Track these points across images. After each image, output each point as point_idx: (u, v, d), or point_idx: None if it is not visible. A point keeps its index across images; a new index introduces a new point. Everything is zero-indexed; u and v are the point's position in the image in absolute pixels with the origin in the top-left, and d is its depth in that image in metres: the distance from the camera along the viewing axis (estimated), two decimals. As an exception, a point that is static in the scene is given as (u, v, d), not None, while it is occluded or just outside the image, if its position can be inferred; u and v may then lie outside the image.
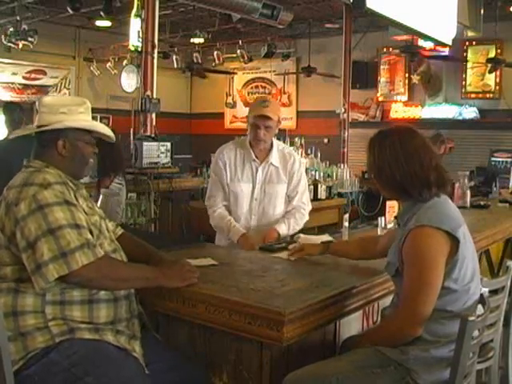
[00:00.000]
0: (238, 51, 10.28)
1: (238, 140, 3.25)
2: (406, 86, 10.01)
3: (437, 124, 8.41)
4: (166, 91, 8.02)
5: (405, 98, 10.04)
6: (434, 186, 2.01)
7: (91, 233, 1.93)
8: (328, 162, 6.85)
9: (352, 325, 2.33)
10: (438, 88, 9.58)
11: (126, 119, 9.80)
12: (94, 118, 2.17)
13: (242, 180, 3.13)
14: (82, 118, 2.07)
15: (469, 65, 9.31)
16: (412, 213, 2.02)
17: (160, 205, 5.75)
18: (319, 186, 5.78)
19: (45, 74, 11.15)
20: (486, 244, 3.33)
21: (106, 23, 9.13)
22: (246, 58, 10.36)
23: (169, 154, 5.95)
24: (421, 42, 8.27)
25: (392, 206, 3.18)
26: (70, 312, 1.90)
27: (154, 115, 6.12)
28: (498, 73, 8.89)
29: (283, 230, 3.10)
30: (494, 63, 8.27)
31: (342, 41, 8.66)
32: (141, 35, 6.09)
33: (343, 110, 8.62)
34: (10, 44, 8.61)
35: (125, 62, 9.59)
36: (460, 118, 9.19)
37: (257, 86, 12.21)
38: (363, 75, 10.03)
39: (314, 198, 5.69)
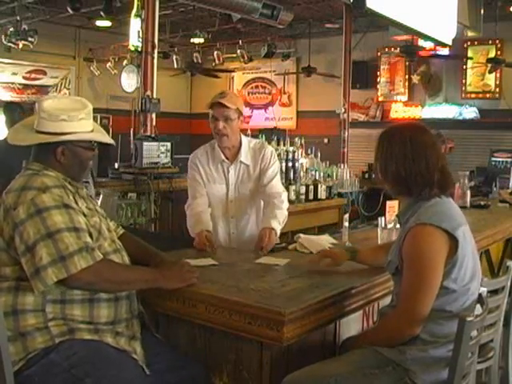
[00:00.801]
0: (238, 51, 10.29)
1: (208, 144, 3.13)
2: (406, 86, 10.02)
3: (437, 124, 8.39)
4: (166, 91, 8.02)
5: (405, 98, 10.04)
6: (436, 186, 2.01)
7: (90, 235, 1.93)
8: (328, 162, 6.84)
9: (352, 325, 2.33)
10: (438, 88, 9.59)
11: (126, 119, 9.81)
12: (94, 118, 2.16)
13: (216, 181, 3.05)
14: (82, 124, 2.04)
15: (469, 65, 9.31)
16: (413, 211, 2.02)
17: (160, 205, 5.76)
18: (319, 185, 5.78)
19: (45, 73, 11.15)
20: (486, 244, 3.33)
21: (106, 23, 9.13)
22: (246, 57, 10.36)
23: (169, 154, 5.95)
24: (421, 42, 8.27)
25: (392, 206, 3.18)
26: (71, 311, 1.90)
27: (153, 115, 6.13)
28: (498, 73, 8.89)
29: (275, 224, 2.85)
30: (494, 63, 8.27)
31: (342, 41, 8.66)
32: (141, 35, 6.10)
33: (343, 109, 8.63)
34: (10, 44, 8.61)
35: (125, 62, 9.60)
36: (460, 117, 9.19)
37: (257, 86, 12.21)
38: (363, 75, 10.03)
39: (314, 198, 5.69)
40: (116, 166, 6.16)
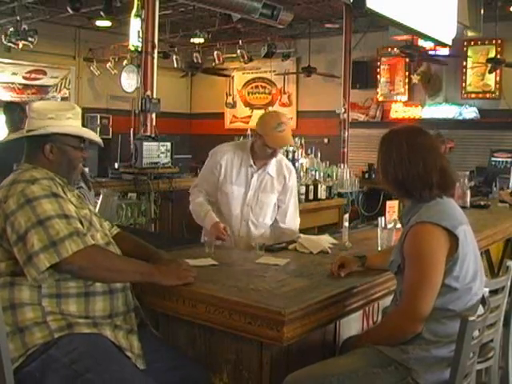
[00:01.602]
0: (238, 51, 10.28)
1: (237, 142, 3.25)
2: (406, 86, 10.01)
3: (437, 124, 8.41)
4: (166, 91, 8.02)
5: (405, 98, 10.04)
6: (435, 187, 2.02)
7: (81, 224, 1.95)
8: (328, 162, 6.84)
9: (352, 325, 2.33)
10: (437, 88, 9.59)
11: (125, 119, 9.79)
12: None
13: (234, 183, 3.11)
14: (69, 123, 2.08)
15: (469, 65, 9.31)
16: (414, 212, 2.03)
17: (160, 205, 5.76)
18: (319, 186, 5.78)
19: (45, 73, 11.15)
20: (486, 244, 3.33)
21: (106, 23, 9.12)
22: (246, 57, 10.36)
23: (169, 153, 5.95)
24: (421, 42, 8.28)
25: (392, 206, 3.18)
26: (67, 306, 1.90)
27: (154, 115, 6.13)
28: (497, 73, 8.88)
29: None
30: (494, 63, 8.27)
31: (342, 41, 8.66)
32: (141, 35, 6.10)
33: (343, 109, 8.63)
34: (10, 44, 8.60)
35: (125, 62, 9.60)
36: (460, 117, 9.19)
37: (257, 86, 12.20)
38: (363, 75, 10.02)
39: (314, 198, 5.69)
40: (116, 165, 6.16)
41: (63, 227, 1.85)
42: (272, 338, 1.81)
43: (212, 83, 11.98)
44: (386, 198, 3.01)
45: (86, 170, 3.60)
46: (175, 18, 9.57)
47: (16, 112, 5.32)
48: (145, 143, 5.73)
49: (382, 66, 10.23)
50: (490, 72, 8.65)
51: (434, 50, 8.95)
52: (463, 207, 3.94)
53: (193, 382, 2.02)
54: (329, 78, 9.91)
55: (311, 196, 5.63)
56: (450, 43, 5.12)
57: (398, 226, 3.01)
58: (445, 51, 8.83)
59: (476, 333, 1.92)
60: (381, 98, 10.28)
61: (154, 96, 6.11)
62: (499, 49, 8.93)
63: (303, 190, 5.50)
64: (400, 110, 9.98)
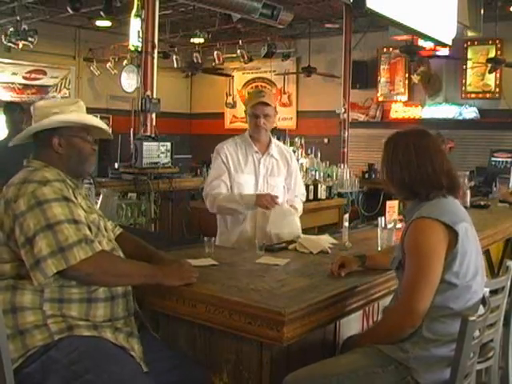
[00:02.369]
0: (238, 51, 10.28)
1: (236, 137, 3.32)
2: (406, 86, 10.01)
3: (437, 124, 8.40)
4: (166, 91, 8.02)
5: (405, 98, 10.04)
6: (444, 189, 2.05)
7: (90, 229, 1.94)
8: (328, 162, 6.85)
9: (352, 325, 2.33)
10: (437, 88, 9.58)
11: (126, 119, 9.80)
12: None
13: (245, 171, 3.20)
14: (75, 115, 2.08)
15: (469, 65, 9.31)
16: (417, 209, 2.05)
17: (160, 205, 5.76)
18: (319, 185, 5.78)
19: (45, 74, 11.15)
20: (486, 244, 3.33)
21: (106, 23, 9.13)
22: (246, 57, 10.36)
23: (169, 154, 5.95)
24: (421, 42, 8.26)
25: (392, 206, 3.18)
26: (68, 310, 1.90)
27: (154, 115, 6.12)
28: (498, 73, 8.88)
29: (298, 207, 3.32)
30: (494, 63, 8.27)
31: (342, 41, 8.66)
32: (141, 35, 6.09)
33: (343, 109, 8.62)
34: (10, 44, 8.60)
35: (125, 62, 9.59)
36: (460, 117, 9.19)
37: (257, 86, 12.18)
38: (363, 75, 10.03)
39: (314, 198, 5.69)
40: (116, 165, 6.15)
41: (72, 233, 1.84)
42: (272, 338, 1.81)
43: (212, 83, 11.98)
44: (385, 198, 3.02)
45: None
46: (175, 18, 9.57)
47: (16, 112, 5.33)
48: (145, 143, 5.73)
49: (381, 66, 10.23)
50: (490, 72, 8.64)
51: (434, 50, 8.94)
52: (463, 207, 3.94)
53: (193, 382, 2.02)
54: (329, 77, 9.91)
55: (311, 196, 5.63)
56: (450, 43, 5.12)
57: (398, 225, 3.02)
58: (445, 51, 8.83)
59: (476, 333, 1.92)
60: (381, 98, 10.28)
61: (154, 96, 6.11)
62: (499, 49, 8.93)
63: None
64: (400, 110, 9.97)
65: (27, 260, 1.82)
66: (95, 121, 2.17)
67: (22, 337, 1.85)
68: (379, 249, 2.62)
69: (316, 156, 6.55)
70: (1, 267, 1.91)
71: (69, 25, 10.01)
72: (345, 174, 6.89)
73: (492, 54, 8.76)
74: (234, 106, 12.30)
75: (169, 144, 5.96)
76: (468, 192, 4.23)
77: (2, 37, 8.72)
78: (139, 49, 6.15)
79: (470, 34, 6.74)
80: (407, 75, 9.98)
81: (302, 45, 10.83)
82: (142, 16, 6.05)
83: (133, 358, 1.93)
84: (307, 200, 5.55)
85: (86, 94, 10.92)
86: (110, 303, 1.98)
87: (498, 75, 8.99)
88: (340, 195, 6.55)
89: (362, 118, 10.31)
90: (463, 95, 9.39)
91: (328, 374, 1.92)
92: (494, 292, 2.26)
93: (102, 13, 7.49)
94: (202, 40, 9.58)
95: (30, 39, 8.44)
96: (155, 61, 6.17)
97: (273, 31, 9.56)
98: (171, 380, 2.00)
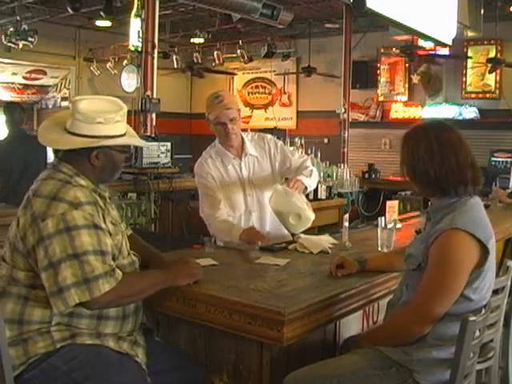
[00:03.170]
0: (238, 51, 10.28)
1: (208, 149, 3.12)
2: (406, 86, 10.01)
3: (437, 124, 8.39)
4: (166, 91, 8.01)
5: (405, 98, 10.04)
6: (470, 183, 1.95)
7: (113, 257, 1.91)
8: (328, 162, 6.84)
9: (352, 325, 2.33)
10: (438, 88, 9.58)
11: (126, 119, 9.78)
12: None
13: (229, 182, 3.03)
14: (118, 127, 2.00)
15: (469, 65, 9.31)
16: (446, 211, 1.96)
17: (160, 205, 5.75)
18: (319, 185, 5.77)
19: (45, 74, 11.15)
20: (486, 244, 3.32)
21: (106, 23, 9.12)
22: (246, 57, 10.35)
23: (169, 154, 5.95)
24: (421, 42, 8.27)
25: (392, 206, 3.18)
26: (77, 324, 1.89)
27: (154, 115, 6.12)
28: (497, 73, 8.88)
29: (304, 179, 2.94)
30: (494, 63, 8.27)
31: (342, 41, 8.65)
32: (141, 35, 6.09)
33: (343, 109, 8.62)
34: (9, 44, 8.59)
35: (125, 62, 9.59)
36: (460, 117, 9.18)
37: (257, 86, 12.20)
38: (363, 75, 10.02)
39: (314, 198, 5.69)
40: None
41: (99, 265, 1.80)
42: (272, 338, 1.81)
43: (212, 83, 11.95)
44: (385, 198, 3.02)
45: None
46: (175, 18, 9.57)
47: (16, 112, 5.33)
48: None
49: (381, 66, 10.22)
50: (490, 72, 8.64)
51: (434, 50, 8.94)
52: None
53: (193, 382, 2.02)
54: (329, 77, 9.91)
55: (311, 196, 5.62)
56: (450, 43, 5.13)
57: (399, 225, 3.02)
58: (445, 51, 8.83)
59: (476, 333, 1.91)
60: (381, 98, 10.27)
61: (154, 96, 6.11)
62: (499, 49, 8.92)
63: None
64: (400, 110, 9.97)
65: (48, 286, 1.78)
66: (139, 141, 2.15)
67: (25, 343, 1.83)
68: (379, 249, 2.62)
69: (316, 156, 6.54)
70: (15, 273, 1.88)
71: (69, 25, 10.00)
72: (345, 174, 6.88)
73: (492, 54, 8.76)
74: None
75: (169, 144, 5.96)
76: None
77: (2, 37, 8.72)
78: (139, 49, 6.14)
79: (470, 33, 6.75)
80: (407, 75, 9.98)
81: (302, 45, 10.83)
82: (142, 16, 6.05)
83: (137, 365, 1.92)
84: (307, 200, 5.57)
85: (86, 94, 10.89)
86: (121, 322, 1.97)
87: (498, 75, 8.98)
88: (340, 195, 6.55)
89: (362, 118, 10.31)
90: (463, 95, 9.39)
91: (328, 374, 1.91)
92: (494, 292, 2.25)
93: (102, 13, 7.49)
94: (202, 40, 9.58)
95: (30, 39, 8.44)
96: (155, 61, 6.17)
97: (273, 31, 9.56)
98: (172, 381, 2.00)
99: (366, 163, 8.53)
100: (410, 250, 2.08)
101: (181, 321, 2.11)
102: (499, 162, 7.74)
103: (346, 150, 8.67)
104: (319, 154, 6.61)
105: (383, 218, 2.70)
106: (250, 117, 12.11)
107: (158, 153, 5.83)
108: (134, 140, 2.12)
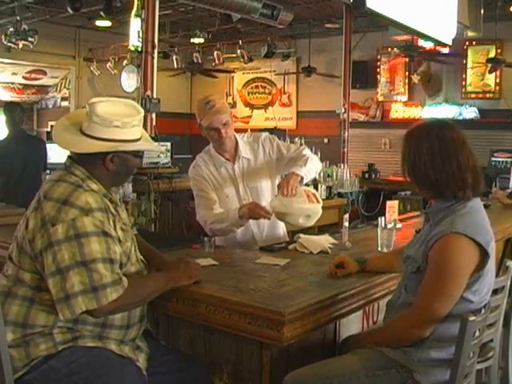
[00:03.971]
0: (238, 51, 10.27)
1: (202, 154, 3.10)
2: (406, 86, 10.01)
3: (437, 124, 8.39)
4: (166, 91, 8.01)
5: (405, 98, 10.04)
6: (469, 187, 1.92)
7: (121, 264, 1.90)
8: (328, 162, 6.84)
9: (352, 325, 2.33)
10: (437, 88, 9.58)
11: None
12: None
13: (223, 186, 3.00)
14: (134, 131, 1.98)
15: (469, 65, 9.31)
16: (446, 213, 1.94)
17: (160, 205, 5.75)
18: (319, 185, 5.78)
19: (45, 74, 11.16)
20: (486, 244, 3.32)
21: (106, 23, 9.13)
22: (246, 57, 10.35)
23: (169, 154, 5.95)
24: (421, 42, 8.27)
25: (392, 206, 3.18)
26: (81, 330, 1.88)
27: (154, 115, 6.12)
28: (498, 73, 8.88)
29: (299, 169, 2.85)
30: (494, 63, 8.27)
31: (342, 41, 8.64)
32: (141, 35, 6.08)
33: (343, 110, 8.61)
34: (10, 44, 8.59)
35: (125, 62, 9.56)
36: (460, 117, 9.18)
37: (257, 86, 12.20)
38: (363, 75, 10.02)
39: (314, 198, 5.68)
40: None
41: (108, 274, 1.79)
42: (272, 338, 1.81)
43: (212, 83, 11.96)
44: (385, 198, 3.01)
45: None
46: (175, 18, 9.57)
47: (16, 112, 5.33)
48: (145, 143, 5.72)
49: (382, 66, 10.23)
50: (490, 72, 8.64)
51: (434, 49, 8.94)
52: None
53: (194, 382, 2.02)
54: (329, 77, 9.91)
55: (311, 196, 5.62)
56: (450, 43, 5.13)
57: (398, 225, 3.02)
58: (445, 51, 8.83)
59: (476, 333, 1.91)
60: (381, 98, 10.28)
61: (154, 96, 6.11)
62: (499, 49, 8.92)
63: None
64: (400, 110, 9.97)
65: (55, 292, 1.77)
66: (156, 146, 2.16)
67: (27, 346, 1.83)
68: (379, 249, 2.62)
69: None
70: (21, 274, 1.87)
71: (69, 25, 10.01)
72: (345, 174, 6.89)
73: (492, 54, 8.76)
74: (233, 106, 12.27)
75: (169, 144, 5.96)
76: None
77: (2, 37, 8.71)
78: (139, 49, 6.14)
79: (470, 33, 6.75)
80: (407, 75, 9.98)
81: (302, 45, 10.83)
82: (142, 16, 6.04)
83: (137, 369, 1.91)
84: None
85: (86, 94, 10.90)
86: (125, 330, 1.96)
87: (497, 75, 8.98)
88: (340, 195, 6.55)
89: (362, 117, 10.31)
90: (463, 95, 9.39)
91: (328, 374, 1.91)
92: (493, 292, 2.25)
93: (102, 13, 7.50)
94: (202, 40, 9.58)
95: (30, 39, 8.43)
96: (155, 61, 6.16)
97: (273, 31, 9.56)
98: (172, 381, 2.00)
99: (366, 163, 8.53)
100: (409, 251, 2.07)
101: (181, 321, 2.11)
102: (499, 162, 7.74)
103: (346, 150, 8.67)
104: (319, 154, 6.58)
105: (383, 218, 2.70)
106: (249, 117, 12.11)
107: (157, 153, 5.83)
108: (150, 145, 2.12)
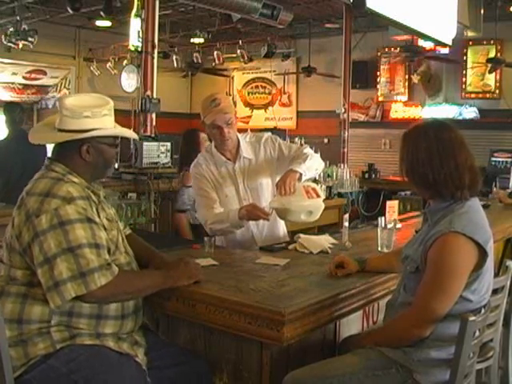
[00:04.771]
0: (238, 51, 10.28)
1: (203, 153, 3.10)
2: (406, 86, 10.02)
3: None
4: (166, 91, 8.02)
5: (405, 98, 10.04)
6: (466, 187, 1.93)
7: (109, 250, 1.91)
8: (328, 162, 6.84)
9: (352, 325, 2.33)
10: (437, 88, 9.59)
11: (126, 119, 9.77)
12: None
13: (223, 186, 2.99)
14: (105, 120, 2.00)
15: (469, 65, 9.31)
16: (444, 213, 1.95)
17: (160, 205, 5.76)
18: (319, 186, 5.77)
19: (45, 74, 11.15)
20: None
21: (106, 23, 9.13)
22: (246, 57, 10.36)
23: (169, 154, 5.95)
24: (421, 42, 8.28)
25: (392, 206, 3.18)
26: (76, 324, 1.89)
27: (154, 115, 6.12)
28: (497, 73, 8.89)
29: (298, 166, 2.83)
30: (494, 63, 8.27)
31: (342, 41, 8.65)
32: (141, 35, 6.09)
33: (343, 109, 8.62)
34: (10, 44, 8.59)
35: (125, 62, 9.58)
36: (460, 117, 9.19)
37: (257, 86, 12.21)
38: (363, 75, 10.03)
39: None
40: (116, 165, 6.15)
41: (94, 258, 1.80)
42: (272, 338, 1.81)
43: (212, 83, 11.97)
44: (386, 198, 3.01)
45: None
46: (175, 18, 9.58)
47: (16, 112, 5.33)
48: (145, 143, 5.73)
49: (381, 66, 10.23)
50: (490, 72, 8.65)
51: (434, 49, 8.94)
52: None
53: (195, 376, 2.02)
54: (329, 77, 9.91)
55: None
56: (450, 43, 5.13)
57: (398, 225, 3.02)
58: (445, 51, 8.84)
59: (476, 333, 1.91)
60: (381, 98, 10.28)
61: (154, 96, 6.11)
62: (499, 49, 8.92)
63: (303, 190, 5.49)
64: (400, 110, 9.98)
65: (45, 281, 1.78)
66: (128, 132, 2.16)
67: (25, 345, 1.83)
68: (379, 249, 2.62)
69: (316, 156, 6.54)
70: (13, 272, 1.89)
71: (69, 25, 10.01)
72: (345, 174, 6.89)
73: (492, 54, 8.76)
74: (233, 105, 12.28)
75: (169, 144, 5.96)
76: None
77: (2, 37, 8.71)
78: (139, 49, 6.15)
79: (470, 33, 6.75)
80: (407, 75, 9.99)
81: (302, 45, 10.83)
82: (142, 16, 6.05)
83: (136, 365, 1.92)
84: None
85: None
86: (120, 321, 1.97)
87: (497, 75, 8.99)
88: (340, 195, 6.55)
89: (362, 117, 10.31)
90: (463, 95, 9.39)
91: (328, 374, 1.91)
92: (493, 292, 2.26)
93: (102, 13, 7.50)
94: (202, 40, 9.58)
95: (30, 39, 8.44)
96: (155, 61, 6.17)
97: (273, 31, 9.57)
98: (173, 375, 2.01)
99: (366, 163, 8.54)
100: (408, 251, 2.07)
101: (181, 321, 2.11)
102: (499, 162, 7.75)
103: (345, 150, 8.68)
104: (319, 154, 6.61)
105: (383, 218, 2.70)
106: (249, 117, 12.12)
107: (157, 153, 5.83)
108: (122, 130, 2.11)
